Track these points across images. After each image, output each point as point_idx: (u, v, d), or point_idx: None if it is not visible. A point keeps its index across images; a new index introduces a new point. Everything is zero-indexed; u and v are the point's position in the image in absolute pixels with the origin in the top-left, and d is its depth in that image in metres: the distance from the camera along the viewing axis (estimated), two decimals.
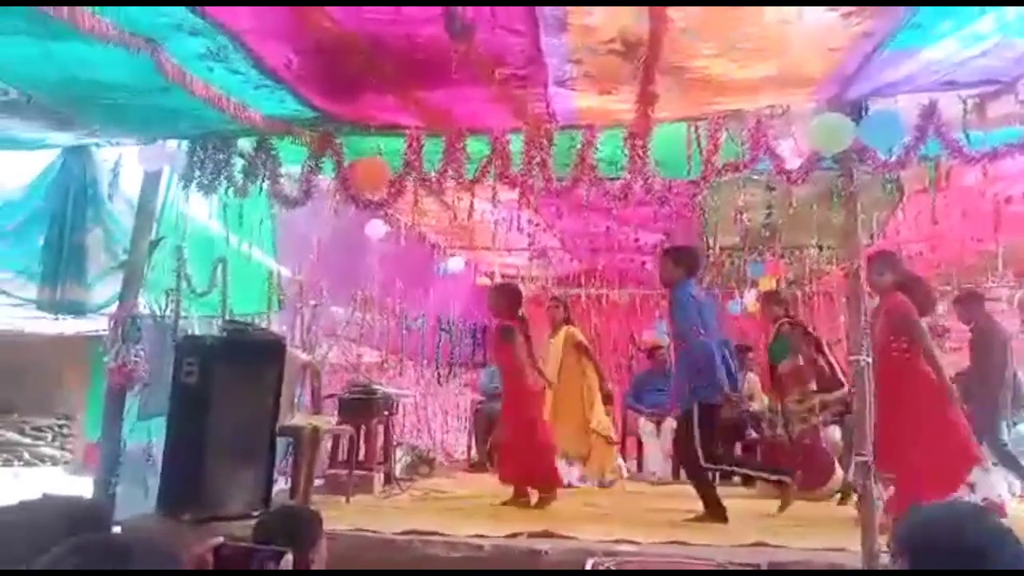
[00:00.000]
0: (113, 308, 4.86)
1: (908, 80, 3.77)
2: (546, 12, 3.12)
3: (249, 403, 4.60)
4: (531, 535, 4.20)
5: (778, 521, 4.90)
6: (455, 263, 8.44)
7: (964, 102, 3.90)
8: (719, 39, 3.36)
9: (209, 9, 3.17)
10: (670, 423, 7.09)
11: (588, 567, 3.15)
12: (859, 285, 4.02)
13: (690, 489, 5.16)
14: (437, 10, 3.12)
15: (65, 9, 3.04)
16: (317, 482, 5.44)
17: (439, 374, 9.14)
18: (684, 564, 3.48)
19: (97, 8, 3.12)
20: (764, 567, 3.49)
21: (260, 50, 3.57)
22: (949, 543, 1.51)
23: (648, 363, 8.63)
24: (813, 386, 6.21)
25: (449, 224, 6.83)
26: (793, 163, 4.26)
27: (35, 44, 3.38)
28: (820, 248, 7.51)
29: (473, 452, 8.19)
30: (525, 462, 5.54)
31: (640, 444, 8.02)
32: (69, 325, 6.85)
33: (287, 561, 1.81)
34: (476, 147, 4.42)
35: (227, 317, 5.15)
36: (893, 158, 4.02)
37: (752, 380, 7.83)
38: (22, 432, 10.10)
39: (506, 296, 5.93)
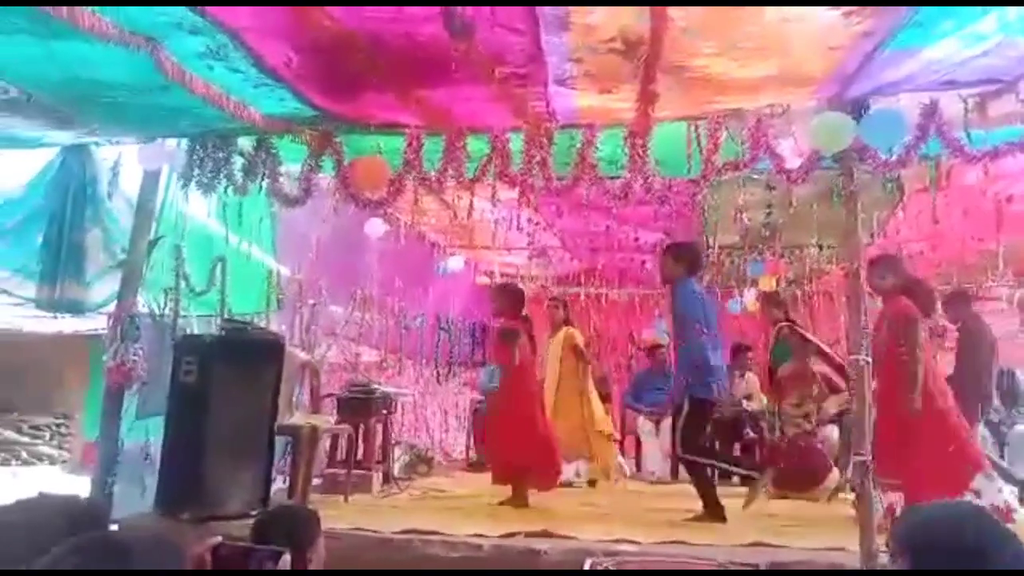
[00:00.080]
0: (112, 307, 4.85)
1: (909, 79, 3.77)
2: (546, 11, 3.12)
3: (248, 402, 4.59)
4: (530, 535, 4.19)
5: (778, 521, 4.90)
6: (455, 262, 8.44)
7: (965, 101, 3.90)
8: (720, 38, 3.35)
9: (209, 8, 3.16)
10: (669, 422, 7.09)
11: (587, 567, 3.14)
12: (859, 285, 4.01)
13: (689, 488, 5.16)
14: (437, 9, 3.12)
15: (65, 8, 3.03)
16: (315, 481, 5.44)
17: (438, 373, 9.13)
18: (684, 564, 3.47)
19: (97, 7, 3.11)
20: (764, 567, 3.49)
21: (260, 48, 3.56)
22: (949, 543, 1.51)
23: (647, 362, 8.63)
24: (814, 390, 6.20)
25: (449, 223, 6.83)
26: (793, 162, 4.25)
27: (35, 43, 3.37)
28: (820, 247, 7.51)
29: (472, 451, 8.19)
30: (522, 461, 5.54)
31: (639, 443, 8.02)
32: (68, 324, 6.84)
33: (285, 561, 1.80)
34: (476, 146, 4.42)
35: (226, 316, 5.14)
36: (894, 157, 4.01)
37: (751, 380, 7.83)
38: (20, 431, 10.09)
39: (509, 296, 5.93)
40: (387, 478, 6.27)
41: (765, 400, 7.27)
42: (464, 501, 5.63)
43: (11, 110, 4.08)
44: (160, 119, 4.39)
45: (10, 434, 10.01)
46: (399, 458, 6.89)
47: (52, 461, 10.06)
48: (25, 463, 9.86)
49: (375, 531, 4.22)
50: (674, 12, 3.09)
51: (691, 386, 4.97)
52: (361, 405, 6.02)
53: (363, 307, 7.36)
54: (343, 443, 5.99)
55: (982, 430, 6.18)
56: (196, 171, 4.71)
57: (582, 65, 3.63)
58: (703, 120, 4.24)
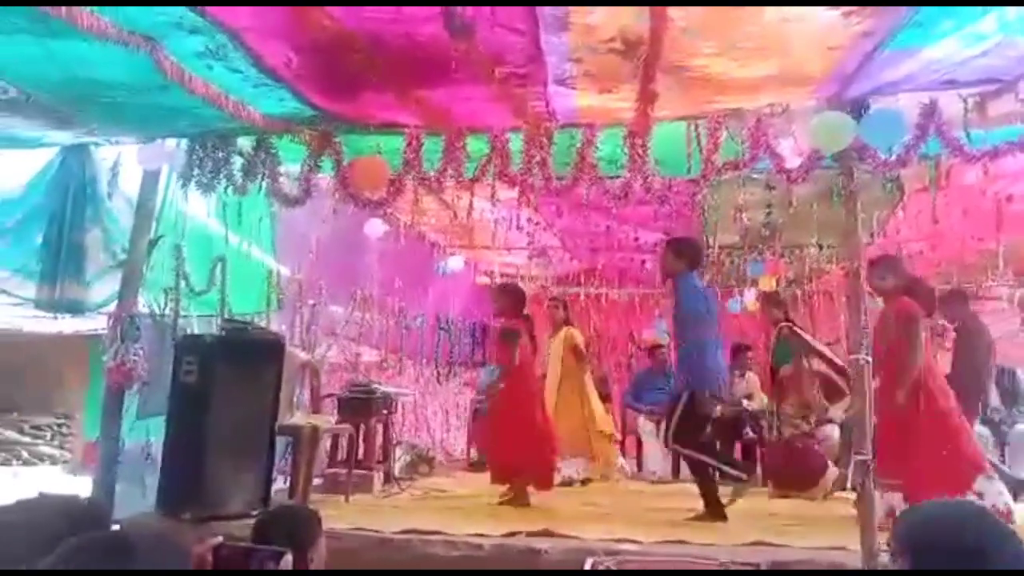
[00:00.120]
0: (112, 307, 4.85)
1: (909, 79, 3.76)
2: (546, 11, 3.12)
3: (248, 402, 4.59)
4: (530, 534, 4.19)
5: (779, 520, 4.90)
6: (454, 262, 8.44)
7: (965, 101, 3.90)
8: (719, 38, 3.35)
9: (208, 7, 3.16)
10: None
11: (588, 566, 3.14)
12: (859, 284, 4.01)
13: (690, 488, 5.16)
14: (437, 9, 3.12)
15: (64, 8, 3.03)
16: (316, 481, 5.44)
17: (438, 373, 9.13)
18: (685, 563, 3.47)
19: (96, 7, 3.11)
20: (765, 566, 3.48)
21: (259, 48, 3.56)
22: (950, 543, 1.51)
23: (648, 362, 8.63)
24: (814, 392, 6.20)
25: (448, 223, 6.83)
26: (793, 162, 4.25)
27: (34, 43, 3.37)
28: (820, 247, 7.50)
29: (472, 451, 8.19)
30: (519, 460, 5.55)
31: (640, 443, 8.02)
32: (68, 324, 6.83)
33: (287, 561, 1.80)
34: (476, 146, 4.42)
35: (226, 316, 5.14)
36: (893, 157, 4.01)
37: (752, 379, 7.83)
38: (21, 431, 10.09)
39: (510, 296, 5.95)
40: (388, 478, 6.27)
41: (765, 400, 7.27)
42: (465, 501, 5.63)
43: (11, 110, 4.08)
44: (159, 119, 4.39)
45: (11, 434, 10.00)
46: (400, 458, 6.89)
47: (53, 461, 10.05)
48: (26, 463, 9.86)
49: (376, 531, 4.22)
50: (674, 12, 3.09)
51: (691, 381, 4.97)
52: (362, 405, 6.02)
53: (363, 307, 7.37)
54: (344, 443, 6.00)
55: (982, 429, 6.17)
56: (196, 171, 4.71)
57: (582, 65, 3.63)
58: (703, 120, 4.24)
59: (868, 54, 3.46)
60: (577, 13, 3.13)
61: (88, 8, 3.09)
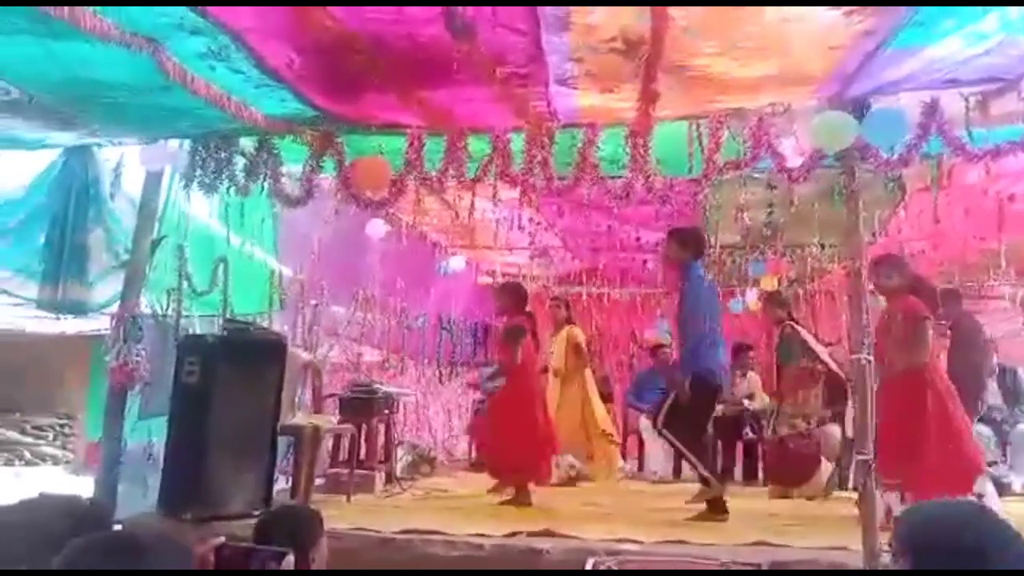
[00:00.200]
0: (114, 307, 4.86)
1: (910, 78, 3.76)
2: (547, 11, 3.12)
3: (250, 402, 4.60)
4: (531, 534, 4.19)
5: (780, 520, 4.90)
6: (456, 262, 8.44)
7: (966, 100, 3.89)
8: (720, 38, 3.35)
9: (210, 8, 3.16)
10: None
11: (589, 566, 3.14)
12: (861, 284, 4.01)
13: (690, 488, 5.15)
14: (438, 9, 3.12)
15: (66, 9, 3.03)
16: (318, 481, 5.45)
17: (440, 373, 9.13)
18: (685, 563, 3.47)
19: (98, 8, 3.12)
20: (766, 566, 3.48)
21: (261, 49, 3.57)
22: (950, 543, 1.50)
23: (650, 362, 8.62)
24: (818, 392, 6.20)
25: (450, 223, 6.83)
26: (795, 161, 4.25)
27: (36, 44, 3.38)
28: (822, 246, 7.49)
29: (474, 451, 8.19)
30: (517, 457, 5.56)
31: (641, 443, 8.02)
32: (70, 325, 6.85)
33: (288, 561, 1.81)
34: (477, 146, 4.42)
35: (228, 316, 5.15)
36: (895, 156, 4.01)
37: (753, 379, 7.82)
38: (23, 431, 10.10)
39: (512, 294, 5.99)
40: (389, 478, 6.27)
41: (767, 400, 7.27)
42: (466, 501, 5.63)
43: (13, 111, 4.09)
44: (162, 120, 4.39)
45: (13, 434, 10.01)
46: (401, 458, 6.90)
47: (55, 461, 10.07)
48: (28, 463, 9.87)
49: (377, 531, 4.22)
50: (675, 12, 3.09)
51: (693, 366, 4.97)
52: (363, 405, 6.03)
53: (365, 307, 7.37)
54: (345, 443, 6.00)
55: (984, 429, 6.17)
56: (198, 172, 4.71)
57: (583, 65, 3.63)
58: (704, 119, 4.23)
59: (870, 53, 3.46)
60: (578, 13, 3.13)
61: (90, 9, 3.10)
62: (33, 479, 8.41)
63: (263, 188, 4.77)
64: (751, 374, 7.85)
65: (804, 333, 6.42)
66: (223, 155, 4.72)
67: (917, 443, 4.39)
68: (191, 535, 3.67)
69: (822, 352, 6.38)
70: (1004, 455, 6.33)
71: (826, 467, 6.14)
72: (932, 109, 3.89)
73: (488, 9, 3.13)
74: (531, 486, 5.53)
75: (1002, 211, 5.86)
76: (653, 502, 5.73)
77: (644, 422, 7.92)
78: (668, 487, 6.70)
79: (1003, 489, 5.86)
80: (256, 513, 4.12)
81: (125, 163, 5.10)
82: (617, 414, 8.46)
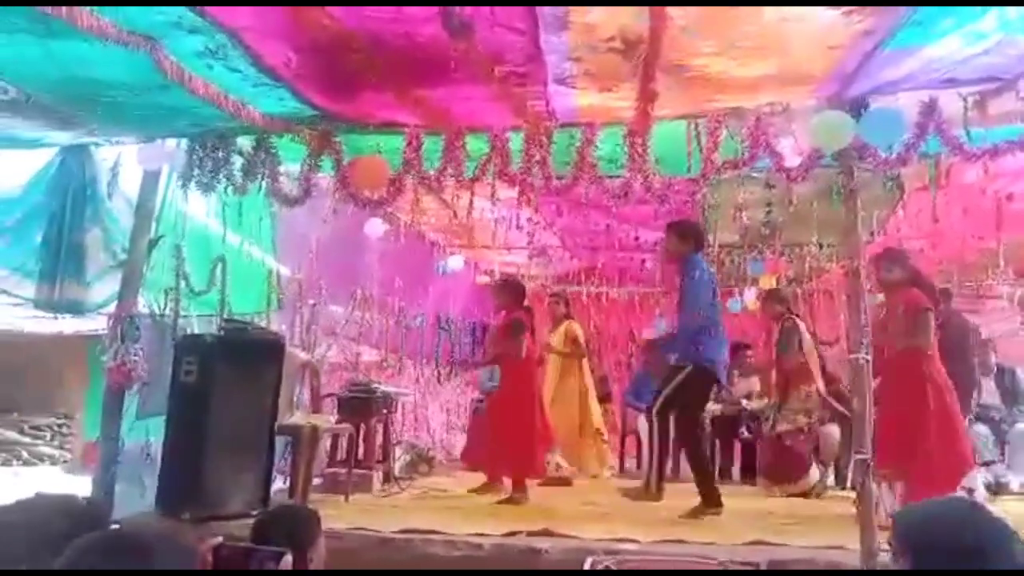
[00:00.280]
0: (112, 307, 4.85)
1: (909, 78, 3.76)
2: (546, 10, 3.12)
3: (248, 402, 4.59)
4: (530, 534, 4.19)
5: (778, 519, 4.90)
6: (454, 261, 8.44)
7: (965, 99, 3.89)
8: (719, 37, 3.35)
9: (208, 7, 3.16)
10: None
11: (587, 566, 3.14)
12: (859, 283, 4.01)
13: (690, 487, 5.15)
14: (436, 8, 3.11)
15: (64, 8, 3.03)
16: (316, 481, 5.44)
17: (438, 373, 9.13)
18: (684, 563, 3.47)
19: (96, 7, 3.11)
20: (764, 566, 3.48)
21: (259, 48, 3.56)
22: (950, 542, 1.51)
23: (648, 361, 8.60)
24: (820, 385, 6.20)
25: (448, 222, 6.83)
26: (793, 161, 4.25)
27: (34, 43, 3.37)
28: (820, 246, 7.50)
29: (463, 447, 8.18)
30: (515, 453, 5.59)
31: (640, 442, 8.01)
32: (68, 324, 6.84)
33: (286, 561, 1.81)
34: (475, 145, 4.42)
35: (226, 316, 5.14)
36: (893, 155, 4.01)
37: (751, 378, 7.81)
38: (21, 431, 10.08)
39: (510, 291, 6.04)
40: (388, 477, 6.27)
41: (766, 399, 7.27)
42: (465, 500, 5.63)
43: (11, 110, 4.08)
44: (159, 119, 4.38)
45: (11, 434, 10.00)
46: (400, 457, 6.89)
47: (53, 461, 10.05)
48: (26, 463, 9.85)
49: (376, 530, 4.21)
50: (673, 11, 3.09)
51: (694, 356, 4.97)
52: (361, 405, 6.02)
53: (363, 307, 7.37)
54: (343, 443, 6.00)
55: (982, 428, 6.18)
56: (196, 171, 4.71)
57: (581, 64, 3.63)
58: (703, 119, 4.24)
59: (868, 53, 3.46)
60: (576, 12, 3.13)
61: (88, 8, 3.09)
62: (31, 479, 8.40)
63: (261, 187, 4.76)
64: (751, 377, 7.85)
65: (803, 328, 6.42)
66: (221, 154, 4.71)
67: (914, 433, 4.42)
68: (189, 535, 3.67)
69: (813, 353, 6.38)
70: (1002, 454, 6.33)
71: (813, 471, 6.17)
72: (930, 108, 3.89)
73: (486, 8, 3.13)
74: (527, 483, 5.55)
75: (1000, 210, 5.87)
76: (651, 501, 5.73)
77: (643, 422, 7.92)
78: (667, 486, 6.68)
79: (1001, 488, 5.88)
80: (254, 513, 4.11)
81: (122, 162, 5.10)
82: (616, 414, 8.45)
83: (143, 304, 4.93)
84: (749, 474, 7.27)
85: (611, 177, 4.39)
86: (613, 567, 3.12)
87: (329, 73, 3.82)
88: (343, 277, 6.96)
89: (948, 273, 7.72)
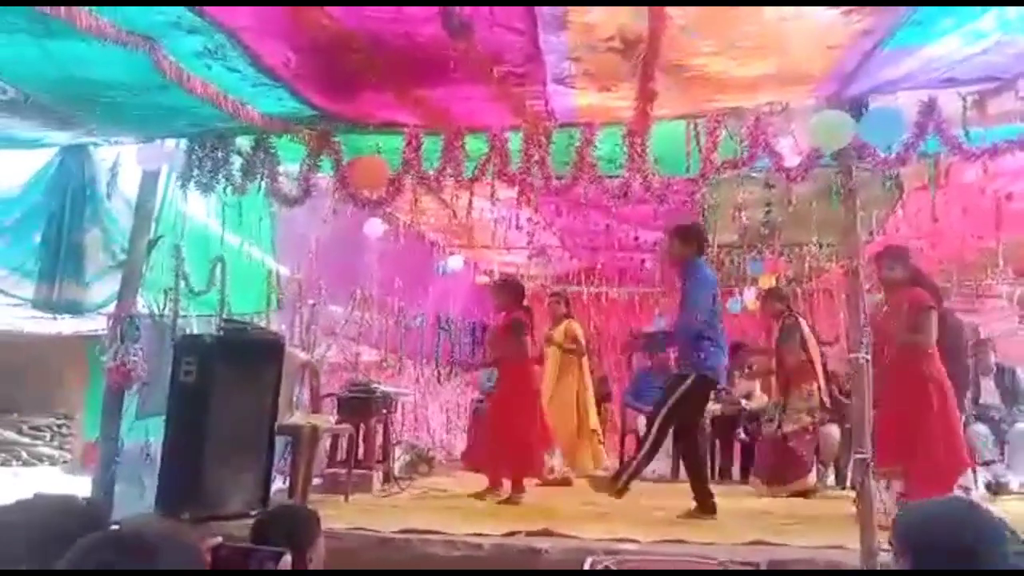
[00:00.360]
0: (111, 307, 4.85)
1: (908, 77, 3.76)
2: (545, 10, 3.12)
3: (248, 402, 4.59)
4: (530, 534, 4.19)
5: (777, 519, 4.90)
6: (454, 261, 8.43)
7: (964, 99, 3.89)
8: (718, 37, 3.35)
9: (207, 7, 3.16)
10: None
11: (587, 566, 3.14)
12: (858, 283, 4.01)
13: (689, 487, 5.16)
14: (436, 8, 3.11)
15: (63, 8, 3.02)
16: (316, 481, 5.44)
17: (438, 373, 9.13)
18: (684, 563, 3.47)
19: (95, 6, 3.11)
20: (764, 565, 3.48)
21: (258, 48, 3.56)
22: (950, 542, 1.51)
23: (648, 361, 8.61)
24: (821, 383, 6.19)
25: (448, 222, 6.83)
26: (792, 160, 4.25)
27: (33, 43, 3.37)
28: (820, 245, 7.50)
29: (464, 448, 8.18)
30: (516, 453, 5.58)
31: (639, 442, 8.00)
32: (67, 324, 6.83)
33: (286, 561, 1.80)
34: (475, 145, 4.41)
35: (226, 316, 5.14)
36: (893, 155, 4.01)
37: (750, 379, 7.81)
38: (20, 432, 10.08)
39: (510, 291, 6.06)
40: (388, 478, 6.27)
41: (765, 399, 7.27)
42: (464, 500, 5.62)
43: (9, 111, 4.07)
44: (158, 119, 4.38)
45: (11, 435, 9.99)
46: (400, 458, 6.89)
47: (52, 462, 10.04)
48: (26, 464, 9.85)
49: (375, 531, 4.21)
50: (672, 11, 3.09)
51: (699, 368, 4.96)
52: (361, 405, 6.02)
53: (363, 307, 7.36)
54: (343, 443, 5.99)
55: (982, 428, 6.18)
56: (195, 171, 4.70)
57: (580, 64, 3.63)
58: (702, 118, 4.23)
59: (867, 52, 3.46)
60: (575, 12, 3.13)
61: (87, 8, 3.09)
62: (31, 479, 8.40)
63: (260, 187, 4.76)
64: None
65: (804, 325, 6.41)
66: (220, 154, 4.71)
67: (915, 432, 4.43)
68: (189, 535, 3.66)
69: (814, 351, 6.37)
70: (1002, 454, 6.32)
71: (812, 475, 6.18)
72: (930, 108, 3.89)
73: (485, 8, 3.13)
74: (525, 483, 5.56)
75: (1000, 210, 5.86)
76: (651, 501, 5.72)
77: (642, 422, 7.91)
78: (666, 486, 6.69)
79: (1001, 488, 5.88)
80: (253, 513, 4.11)
81: (121, 162, 5.10)
82: (615, 414, 8.45)
83: (142, 304, 4.92)
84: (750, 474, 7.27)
85: (610, 177, 4.39)
86: (613, 567, 3.12)
87: (328, 73, 3.82)
88: (343, 277, 6.96)
89: (947, 272, 7.71)
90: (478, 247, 8.01)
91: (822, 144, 4.02)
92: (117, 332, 4.63)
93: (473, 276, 9.28)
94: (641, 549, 3.85)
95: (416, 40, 3.38)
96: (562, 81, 3.83)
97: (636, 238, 7.49)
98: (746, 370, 7.68)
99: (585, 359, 7.25)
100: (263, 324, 5.74)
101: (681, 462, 5.79)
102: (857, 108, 3.96)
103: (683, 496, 5.20)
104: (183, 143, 4.77)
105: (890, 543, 1.67)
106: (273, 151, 4.71)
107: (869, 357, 3.92)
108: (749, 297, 8.58)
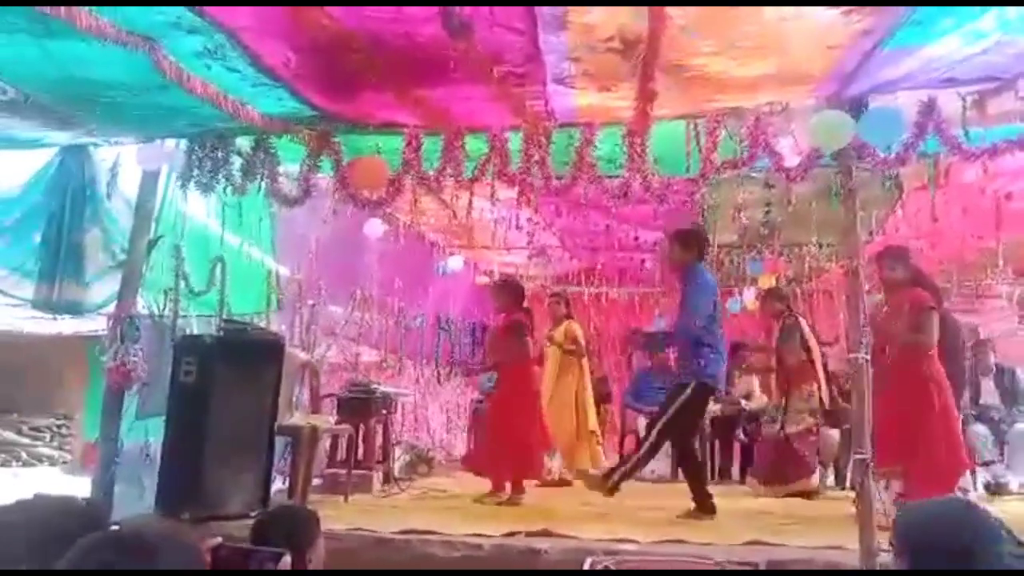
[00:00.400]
0: (111, 308, 4.84)
1: (908, 77, 3.76)
2: (544, 10, 3.12)
3: (248, 402, 4.59)
4: (530, 534, 4.19)
5: (776, 519, 4.90)
6: (454, 262, 8.43)
7: (964, 99, 3.89)
8: (718, 37, 3.35)
9: (207, 7, 3.16)
10: None
11: (586, 566, 3.14)
12: (858, 283, 4.01)
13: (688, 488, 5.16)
14: (436, 8, 3.11)
15: (63, 8, 3.03)
16: (316, 481, 5.44)
17: (438, 373, 9.13)
18: (683, 563, 3.47)
19: (95, 6, 3.11)
20: (762, 566, 3.48)
21: (258, 48, 3.56)
22: (949, 542, 1.51)
23: (648, 361, 8.61)
24: (822, 383, 6.19)
25: (448, 223, 6.83)
26: (792, 160, 4.25)
27: (33, 43, 3.37)
28: (819, 245, 7.50)
29: (468, 450, 8.18)
30: (517, 455, 5.58)
31: (639, 442, 8.00)
32: (67, 325, 6.83)
33: (285, 562, 1.80)
34: (475, 145, 4.41)
35: (226, 316, 5.14)
36: (892, 155, 4.01)
37: (750, 379, 7.81)
38: (20, 432, 10.08)
39: (510, 292, 6.05)
40: (387, 478, 6.27)
41: (764, 400, 7.27)
42: (464, 501, 5.62)
43: (9, 111, 4.07)
44: (158, 119, 4.38)
45: (10, 435, 9.99)
46: (399, 458, 6.89)
47: (52, 462, 10.04)
48: (25, 464, 9.85)
49: (375, 531, 4.21)
50: (672, 11, 3.09)
51: (700, 377, 4.97)
52: (361, 405, 6.02)
53: (363, 307, 7.36)
54: (343, 443, 5.99)
55: (981, 428, 6.18)
56: (195, 171, 4.70)
57: (580, 64, 3.63)
58: (702, 119, 4.23)
59: (867, 52, 3.46)
60: (575, 12, 3.13)
61: (86, 8, 3.09)
62: (31, 480, 8.39)
63: (260, 188, 4.76)
64: (747, 376, 7.83)
65: (804, 325, 6.41)
66: (220, 154, 4.71)
67: (916, 432, 4.43)
68: (189, 536, 3.66)
69: (815, 351, 6.37)
70: (1001, 454, 6.32)
71: (816, 476, 6.17)
72: (929, 108, 3.89)
73: (485, 8, 3.13)
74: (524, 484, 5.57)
75: (999, 210, 5.86)
76: (651, 501, 5.72)
77: (642, 422, 7.91)
78: (666, 486, 6.69)
79: (1001, 488, 5.88)
80: (253, 514, 4.11)
81: (121, 163, 5.09)
82: (615, 414, 8.45)
83: (142, 304, 4.92)
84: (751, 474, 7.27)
85: (610, 177, 4.39)
86: (612, 567, 3.12)
87: (328, 73, 3.82)
88: (343, 277, 6.96)
89: (947, 273, 7.71)
90: (478, 247, 8.01)
91: (822, 144, 4.02)
92: (117, 332, 4.62)
93: (473, 276, 9.28)
94: (640, 549, 3.85)
95: (416, 40, 3.38)
96: (562, 81, 3.83)
97: (636, 238, 7.49)
98: (743, 365, 7.68)
99: (585, 360, 7.25)
100: (263, 324, 5.74)
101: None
102: (857, 108, 3.96)
103: (682, 496, 5.19)
104: (183, 143, 4.77)
105: (891, 543, 1.68)
106: (273, 151, 4.71)
107: (868, 357, 3.92)
108: (749, 297, 8.58)
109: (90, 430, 8.51)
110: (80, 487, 4.96)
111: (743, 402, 7.59)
